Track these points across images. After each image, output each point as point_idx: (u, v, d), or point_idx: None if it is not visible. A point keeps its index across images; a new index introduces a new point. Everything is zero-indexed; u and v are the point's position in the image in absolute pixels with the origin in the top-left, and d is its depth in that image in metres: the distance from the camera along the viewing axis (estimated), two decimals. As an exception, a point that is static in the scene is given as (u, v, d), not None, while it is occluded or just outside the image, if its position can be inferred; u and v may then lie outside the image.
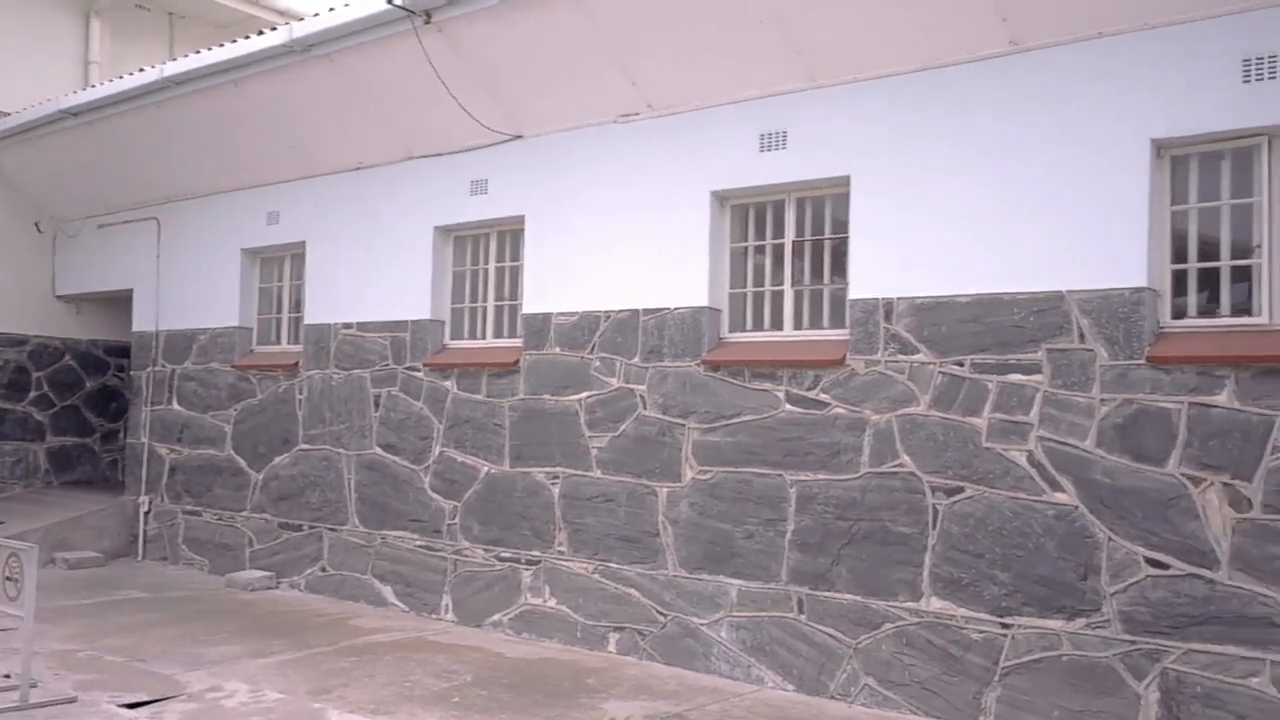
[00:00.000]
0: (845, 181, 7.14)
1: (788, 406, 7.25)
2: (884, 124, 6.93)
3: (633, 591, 7.92)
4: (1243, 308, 5.84)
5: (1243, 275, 5.87)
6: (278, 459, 10.60)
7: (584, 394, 8.32)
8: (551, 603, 8.38)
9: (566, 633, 8.26)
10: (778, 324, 7.62)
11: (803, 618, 7.07)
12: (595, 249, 8.32)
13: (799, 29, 7.00)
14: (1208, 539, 5.66)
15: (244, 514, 10.89)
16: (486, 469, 8.90)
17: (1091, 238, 6.09)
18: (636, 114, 8.14)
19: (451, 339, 9.56)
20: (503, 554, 8.72)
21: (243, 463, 10.97)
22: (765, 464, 7.31)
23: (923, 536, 6.61)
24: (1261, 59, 5.62)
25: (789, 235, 7.57)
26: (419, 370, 9.46)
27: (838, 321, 7.34)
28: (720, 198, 7.80)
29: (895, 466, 6.75)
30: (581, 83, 8.12)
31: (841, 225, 7.33)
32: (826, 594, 6.98)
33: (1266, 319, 5.69)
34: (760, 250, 7.79)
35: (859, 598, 6.83)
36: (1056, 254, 6.20)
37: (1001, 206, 6.42)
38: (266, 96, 9.90)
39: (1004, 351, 6.36)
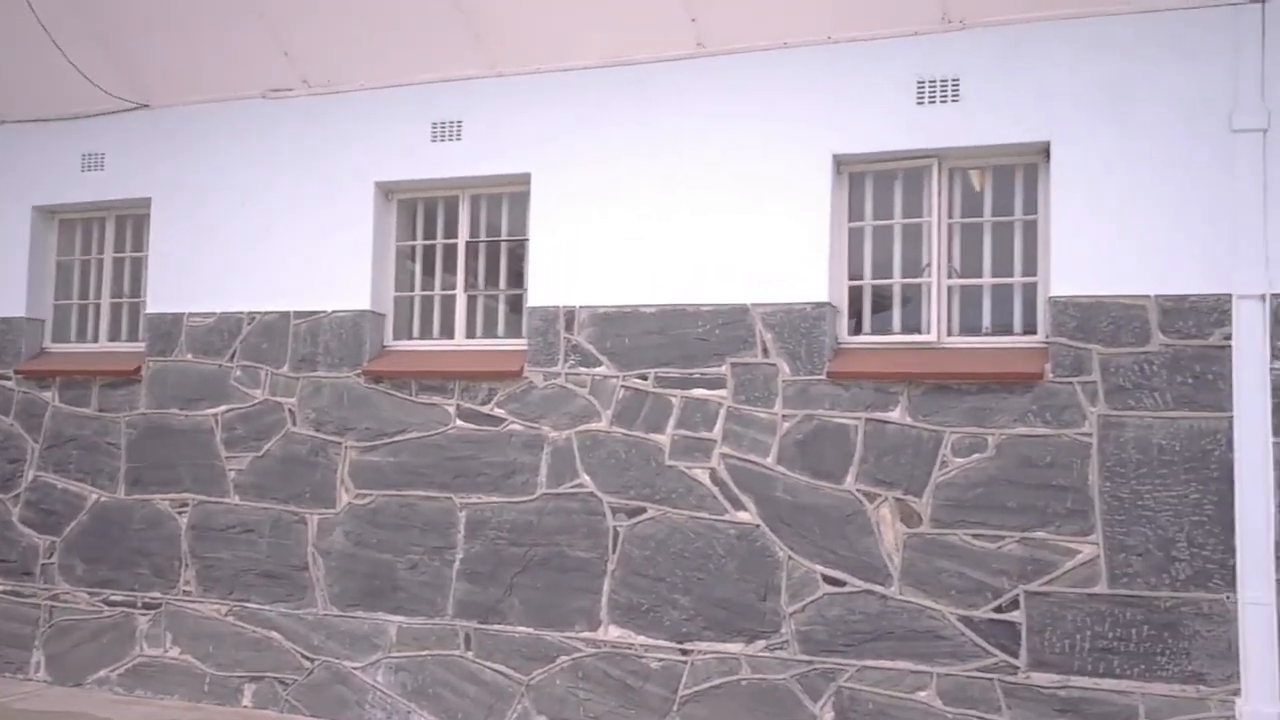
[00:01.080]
0: (525, 179, 6.77)
1: (459, 422, 6.74)
2: (568, 120, 6.64)
3: (275, 634, 7.05)
4: (913, 326, 6.06)
5: (914, 293, 6.09)
6: None
7: (221, 408, 7.35)
8: (174, 652, 7.31)
9: (192, 687, 7.22)
10: (449, 332, 7.09)
11: (470, 655, 6.57)
12: (238, 241, 7.40)
13: (478, 10, 6.56)
14: (881, 555, 5.79)
15: None
16: (96, 497, 7.64)
17: (776, 251, 6.10)
18: (290, 90, 7.33)
19: (54, 341, 8.18)
20: (113, 598, 7.51)
21: None
22: (433, 486, 6.75)
23: (602, 561, 6.33)
24: (934, 81, 5.87)
25: (463, 235, 7.08)
26: (8, 378, 8.00)
27: (515, 331, 6.93)
28: (386, 190, 7.18)
29: (575, 487, 6.43)
30: (224, 48, 7.20)
31: (520, 226, 6.95)
32: (497, 627, 6.52)
33: (935, 337, 5.93)
34: (431, 251, 7.24)
35: (533, 630, 6.43)
36: (742, 266, 6.16)
37: (687, 213, 6.30)
38: None
39: (688, 365, 6.23)
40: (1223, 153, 5.34)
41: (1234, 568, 5.21)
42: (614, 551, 6.31)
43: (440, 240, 7.18)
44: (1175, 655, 5.25)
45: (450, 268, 7.13)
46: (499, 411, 6.65)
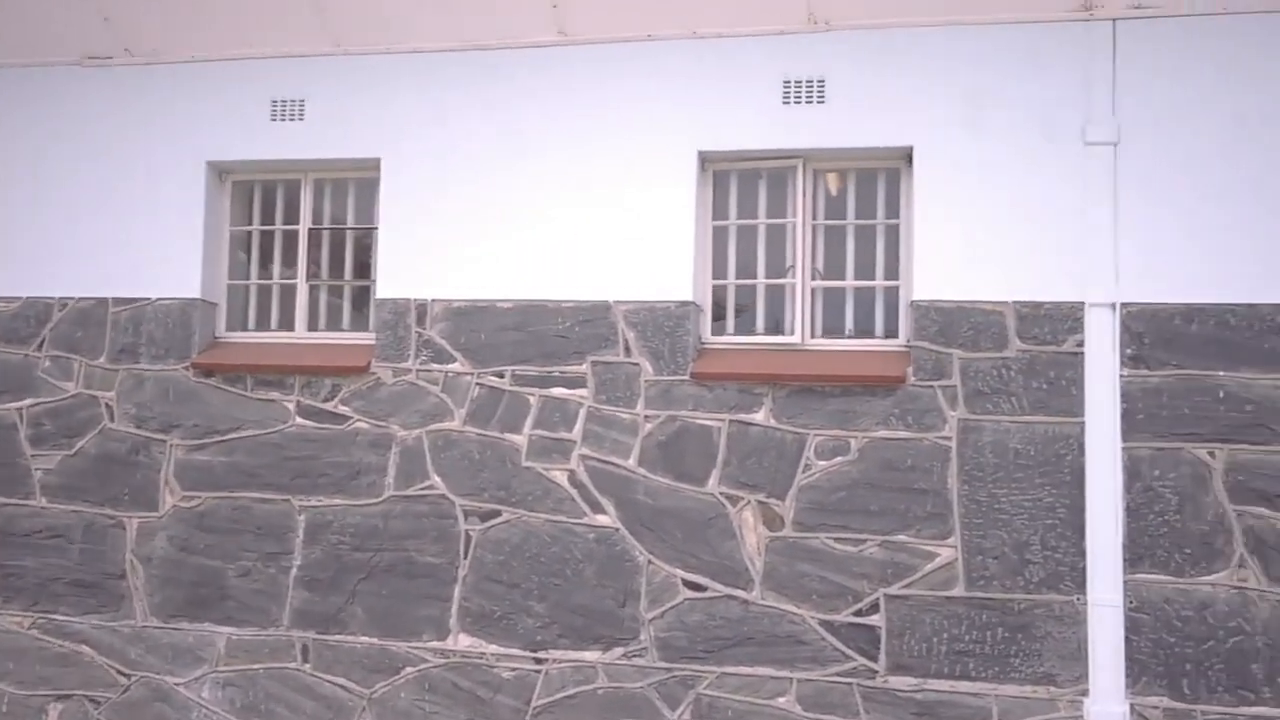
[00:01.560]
0: (374, 164, 6.33)
1: (299, 420, 6.26)
2: (422, 104, 6.25)
3: (85, 649, 6.40)
4: (776, 327, 5.95)
5: (778, 295, 5.99)
6: None
7: (26, 401, 6.62)
8: (-32, 671, 6.56)
9: (-11, 709, 6.50)
10: (288, 324, 6.58)
11: (307, 667, 6.11)
12: (49, 220, 6.66)
13: (327, -19, 6.11)
14: (743, 559, 5.66)
15: None
16: (-125, 500, 6.79)
17: (639, 247, 5.89)
18: (110, 58, 6.66)
19: None
20: (-104, 612, 6.69)
21: None
22: (269, 487, 6.24)
23: (453, 567, 5.99)
24: (800, 82, 5.77)
25: (305, 221, 6.58)
26: None
27: (362, 324, 6.50)
28: (219, 170, 6.61)
29: (425, 489, 6.06)
30: (33, 8, 6.46)
31: (368, 214, 6.52)
32: (338, 638, 6.08)
33: (799, 339, 5.83)
34: (269, 237, 6.71)
35: (376, 640, 6.03)
36: (604, 261, 5.93)
37: (547, 206, 6.02)
38: None
39: (548, 363, 5.96)
40: (1077, 164, 5.43)
41: (1084, 570, 5.30)
42: (465, 557, 5.98)
43: (280, 226, 6.66)
44: (1028, 657, 5.31)
45: (290, 257, 6.63)
46: (344, 409, 6.21)
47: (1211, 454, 5.25)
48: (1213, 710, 5.13)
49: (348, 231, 6.58)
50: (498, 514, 5.95)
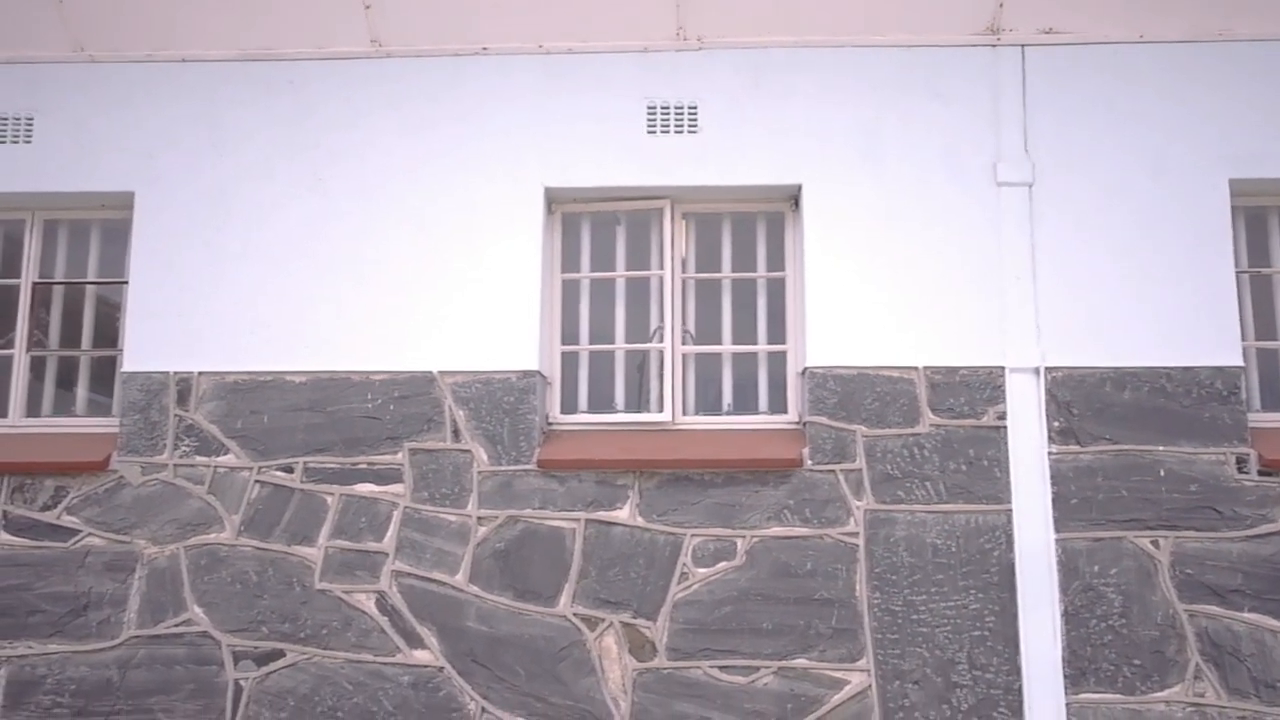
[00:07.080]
0: (126, 200, 4.62)
1: (5, 536, 4.35)
2: (190, 124, 4.62)
3: None
4: (641, 402, 4.54)
5: (642, 362, 4.60)
6: None
7: None
8: None
9: None
10: (0, 408, 4.70)
11: None
12: None
13: (63, -34, 4.45)
14: (605, 699, 4.13)
15: None
16: None
17: (470, 305, 4.40)
18: None
19: None
20: None
21: None
22: (-45, 631, 4.28)
23: (217, 728, 4.18)
24: (667, 107, 4.49)
25: (28, 274, 4.75)
26: None
27: (102, 408, 4.68)
28: (-86, 208, 4.74)
29: (180, 625, 4.24)
30: None
31: (117, 265, 4.77)
32: (53, 835, 4.13)
33: (669, 416, 4.44)
34: (-22, 294, 4.84)
35: (108, 834, 4.12)
36: (426, 323, 4.40)
37: (354, 253, 4.47)
38: None
39: (351, 452, 4.33)
40: (989, 207, 4.35)
41: (1020, 691, 4.06)
42: (234, 715, 4.18)
43: (-5, 280, 4.82)
44: (968, 808, 3.99)
45: (7, 321, 4.77)
46: (70, 520, 4.35)
47: (1155, 544, 4.15)
48: None
49: (88, 286, 4.79)
50: (280, 655, 4.20)
